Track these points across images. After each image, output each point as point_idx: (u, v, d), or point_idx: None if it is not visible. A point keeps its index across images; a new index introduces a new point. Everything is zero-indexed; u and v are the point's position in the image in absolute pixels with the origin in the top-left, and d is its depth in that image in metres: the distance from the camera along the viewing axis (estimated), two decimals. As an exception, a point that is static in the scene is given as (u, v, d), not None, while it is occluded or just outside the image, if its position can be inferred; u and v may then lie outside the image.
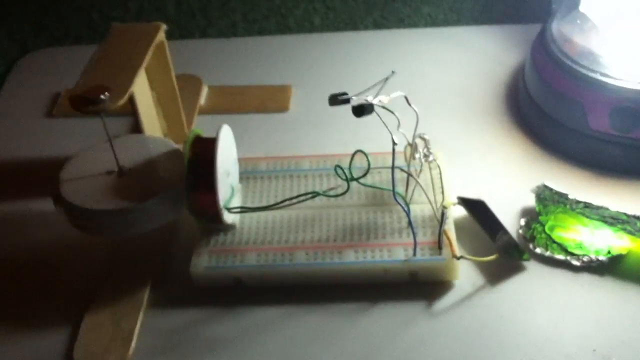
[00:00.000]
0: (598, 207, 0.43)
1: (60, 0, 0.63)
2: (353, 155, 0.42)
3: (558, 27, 0.51)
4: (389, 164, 0.40)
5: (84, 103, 0.40)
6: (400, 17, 0.65)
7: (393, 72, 0.41)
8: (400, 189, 0.44)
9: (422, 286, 0.42)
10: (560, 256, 0.42)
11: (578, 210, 0.43)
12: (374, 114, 0.39)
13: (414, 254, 0.41)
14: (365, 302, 0.41)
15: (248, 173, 0.47)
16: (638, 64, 0.47)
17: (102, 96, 0.40)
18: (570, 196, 0.44)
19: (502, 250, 0.42)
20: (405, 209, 0.41)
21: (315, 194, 0.42)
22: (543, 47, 0.50)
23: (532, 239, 0.43)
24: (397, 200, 0.41)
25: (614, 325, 0.39)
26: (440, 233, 0.42)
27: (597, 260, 0.41)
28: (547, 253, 0.42)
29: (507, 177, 0.48)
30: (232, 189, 0.44)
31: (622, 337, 0.38)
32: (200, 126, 0.54)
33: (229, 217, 0.43)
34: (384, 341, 0.39)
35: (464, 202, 0.44)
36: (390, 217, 0.44)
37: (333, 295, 0.42)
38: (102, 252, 0.45)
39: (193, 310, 0.42)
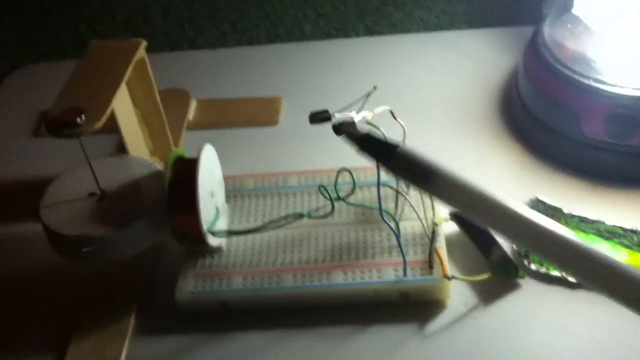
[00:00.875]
0: (593, 221, 0.41)
1: (47, 14, 0.63)
2: (338, 173, 0.41)
3: (550, 31, 0.49)
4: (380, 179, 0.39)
5: (59, 127, 0.39)
6: (392, 22, 0.64)
7: (375, 87, 0.40)
8: (390, 204, 0.43)
9: (414, 307, 0.40)
10: (556, 273, 0.40)
11: (573, 224, 0.41)
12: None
13: (404, 274, 0.40)
14: (355, 324, 0.40)
15: (235, 191, 0.46)
16: (633, 69, 0.45)
17: (77, 119, 0.39)
18: (565, 210, 0.42)
19: (496, 266, 0.41)
20: (394, 228, 0.40)
21: (300, 215, 0.41)
22: (535, 52, 0.49)
23: (527, 255, 0.41)
24: (384, 220, 0.40)
25: (612, 344, 0.38)
26: (431, 252, 0.40)
27: (594, 275, 0.40)
28: (543, 270, 0.41)
29: (500, 188, 0.46)
30: (217, 210, 0.43)
31: (620, 357, 0.37)
32: (188, 142, 0.53)
33: (214, 240, 0.42)
34: (375, 365, 0.38)
35: (456, 217, 0.43)
36: (379, 235, 0.42)
37: (321, 318, 0.40)
38: (85, 277, 0.44)
39: (179, 336, 0.41)
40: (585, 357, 0.37)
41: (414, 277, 0.40)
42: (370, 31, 0.64)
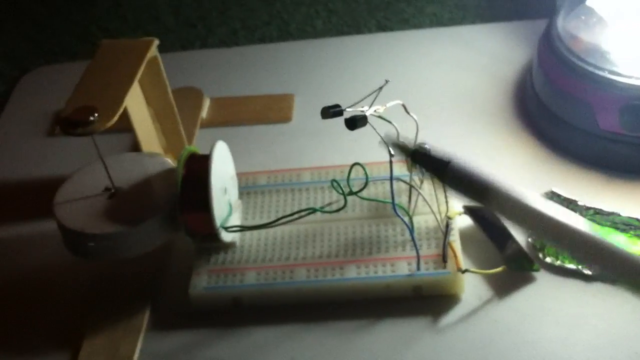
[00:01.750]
0: (609, 214, 0.41)
1: (57, 15, 0.63)
2: (351, 168, 0.41)
3: (564, 23, 0.49)
4: (394, 173, 0.39)
5: (72, 125, 0.39)
6: (404, 18, 0.63)
7: (387, 80, 0.40)
8: (404, 199, 0.43)
9: (427, 301, 0.40)
10: (571, 265, 0.40)
11: (588, 217, 0.41)
12: (368, 125, 0.38)
13: (418, 268, 0.40)
14: (368, 318, 0.40)
15: (249, 188, 0.46)
16: (648, 60, 0.45)
17: (90, 118, 0.39)
18: (580, 202, 0.42)
19: (511, 260, 0.40)
20: (407, 222, 0.40)
21: (312, 210, 0.41)
22: (548, 45, 0.48)
23: (542, 247, 0.41)
24: (397, 214, 0.40)
25: (628, 337, 0.37)
26: (445, 245, 0.40)
27: (610, 268, 0.39)
28: (558, 262, 0.40)
29: (515, 181, 0.46)
30: (230, 207, 0.43)
31: (637, 350, 0.37)
32: (202, 140, 0.53)
33: (227, 236, 0.42)
34: (388, 358, 0.38)
35: (470, 211, 0.43)
36: (393, 230, 0.42)
37: (334, 313, 0.40)
38: (98, 274, 0.44)
39: (192, 332, 0.41)
40: (600, 350, 0.37)
41: (428, 271, 0.40)
42: (382, 27, 0.63)
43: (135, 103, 0.44)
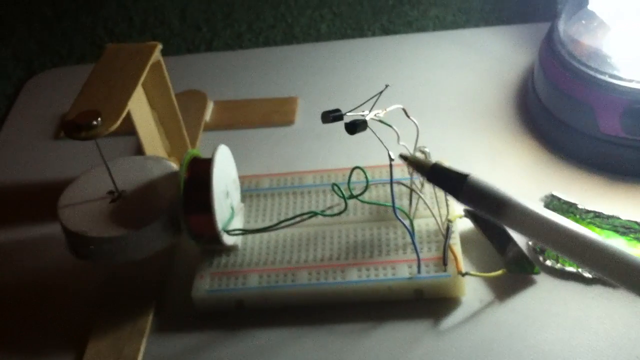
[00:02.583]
0: (609, 217, 0.41)
1: (64, 17, 0.63)
2: (351, 171, 0.41)
3: (565, 27, 0.49)
4: (394, 176, 0.39)
5: (76, 130, 0.40)
6: (408, 21, 0.63)
7: (387, 85, 0.40)
8: (404, 202, 0.43)
9: (428, 303, 0.40)
10: (572, 268, 0.40)
11: (588, 220, 0.41)
12: (368, 129, 0.38)
13: (419, 271, 0.40)
14: (370, 321, 0.40)
15: (251, 191, 0.47)
16: (649, 64, 0.45)
17: (94, 122, 0.40)
18: (580, 206, 0.42)
19: (512, 263, 0.41)
20: (408, 225, 0.40)
21: (313, 214, 0.41)
22: (550, 48, 0.48)
23: (542, 250, 0.41)
24: (398, 217, 0.40)
25: (628, 339, 0.37)
26: (445, 248, 0.40)
27: (610, 271, 0.40)
28: (558, 265, 0.40)
29: (515, 185, 0.46)
30: (232, 210, 0.43)
31: (637, 353, 0.37)
32: (205, 143, 0.54)
33: (229, 239, 0.42)
34: (390, 362, 0.38)
35: (471, 214, 0.43)
36: (394, 233, 0.42)
37: (336, 315, 0.41)
38: (102, 277, 0.44)
39: (195, 334, 0.41)
40: (601, 352, 0.37)
41: (428, 274, 0.40)
42: (386, 30, 0.64)
43: (138, 107, 0.44)
